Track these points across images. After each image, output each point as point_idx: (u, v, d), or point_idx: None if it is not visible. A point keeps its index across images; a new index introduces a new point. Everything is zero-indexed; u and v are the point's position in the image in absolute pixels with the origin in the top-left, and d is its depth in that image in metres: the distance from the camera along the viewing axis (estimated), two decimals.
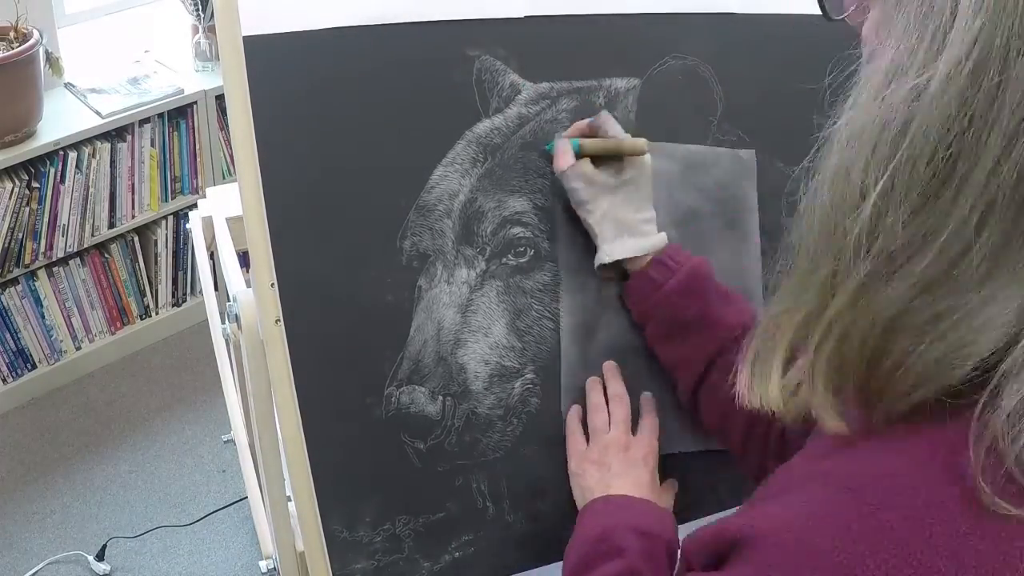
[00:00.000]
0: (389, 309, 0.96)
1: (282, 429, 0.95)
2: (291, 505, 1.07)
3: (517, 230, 1.00)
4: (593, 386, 1.00)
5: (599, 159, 0.97)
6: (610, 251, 0.96)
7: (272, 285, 0.92)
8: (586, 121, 1.00)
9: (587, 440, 0.97)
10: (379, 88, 0.98)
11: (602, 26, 1.07)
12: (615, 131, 0.97)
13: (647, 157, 0.98)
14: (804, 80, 1.16)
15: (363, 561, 0.93)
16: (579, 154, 0.97)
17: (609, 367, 1.01)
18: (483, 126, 1.01)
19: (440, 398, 0.96)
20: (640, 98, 1.07)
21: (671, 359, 0.97)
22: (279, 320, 0.92)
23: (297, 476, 0.93)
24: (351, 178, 0.96)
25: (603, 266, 0.97)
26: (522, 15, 1.04)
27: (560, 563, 1.01)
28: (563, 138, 0.99)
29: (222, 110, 2.51)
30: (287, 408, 0.93)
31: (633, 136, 0.99)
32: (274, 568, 1.29)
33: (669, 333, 0.96)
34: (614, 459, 0.93)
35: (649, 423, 0.98)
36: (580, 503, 0.92)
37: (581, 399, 1.00)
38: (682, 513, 1.05)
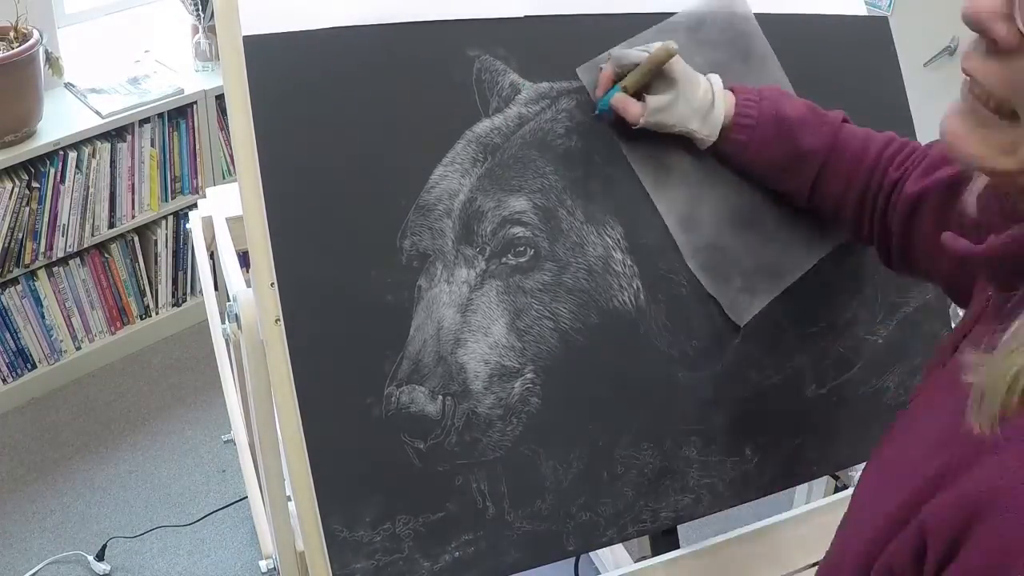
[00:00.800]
0: (389, 309, 0.96)
1: (282, 429, 0.95)
2: (291, 505, 1.07)
3: (517, 230, 1.00)
4: None
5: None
6: (707, 137, 1.04)
7: (272, 285, 0.92)
8: (607, 73, 1.04)
9: None
10: (379, 88, 0.98)
11: (601, 25, 1.07)
12: (635, 56, 1.02)
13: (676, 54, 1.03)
14: (802, 79, 1.16)
15: (363, 561, 0.93)
16: (627, 92, 1.02)
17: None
18: (483, 126, 1.01)
19: (440, 398, 0.96)
20: None
21: (783, 188, 1.08)
22: (279, 320, 0.92)
23: (297, 476, 0.93)
24: (351, 178, 0.96)
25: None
26: (522, 15, 1.04)
27: (559, 563, 1.02)
28: (616, 93, 1.02)
29: (222, 110, 2.51)
30: (287, 408, 0.93)
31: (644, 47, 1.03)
32: (274, 568, 1.29)
33: (775, 173, 1.06)
34: None
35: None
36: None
37: (711, 268, 1.07)
38: (684, 511, 1.06)
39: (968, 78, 0.59)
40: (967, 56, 0.59)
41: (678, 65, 1.01)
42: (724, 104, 1.03)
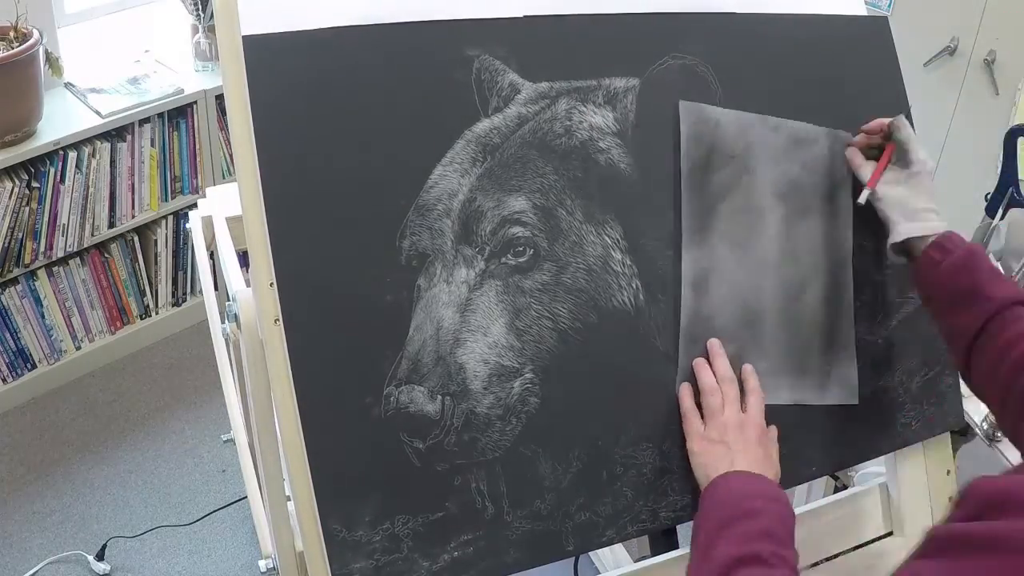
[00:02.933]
0: (388, 308, 0.96)
1: (281, 429, 0.95)
2: (290, 505, 1.07)
3: (516, 230, 1.00)
4: (702, 367, 1.04)
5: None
6: (903, 231, 1.05)
7: (271, 285, 0.92)
8: (878, 123, 1.11)
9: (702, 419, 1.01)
10: (378, 87, 0.98)
11: (601, 26, 1.07)
12: (907, 135, 1.08)
13: (928, 160, 1.08)
14: (802, 79, 1.16)
15: (362, 561, 0.93)
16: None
17: (714, 345, 1.06)
18: (482, 126, 1.01)
19: (439, 397, 0.96)
20: (639, 97, 1.07)
21: (948, 327, 1.04)
22: (278, 320, 0.92)
23: (296, 476, 0.93)
24: (350, 177, 0.96)
25: (892, 245, 1.06)
26: (521, 14, 1.04)
27: (559, 563, 1.02)
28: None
29: (222, 110, 2.51)
30: (286, 408, 0.93)
31: None
32: (273, 568, 1.29)
33: (948, 304, 1.03)
34: (733, 438, 0.98)
35: (755, 401, 1.02)
36: (703, 480, 0.96)
37: (698, 353, 1.05)
38: (684, 511, 1.06)
39: None
40: None
41: (922, 168, 1.06)
42: (933, 225, 1.04)
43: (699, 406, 1.03)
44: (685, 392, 1.04)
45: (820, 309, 1.13)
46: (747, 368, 1.05)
